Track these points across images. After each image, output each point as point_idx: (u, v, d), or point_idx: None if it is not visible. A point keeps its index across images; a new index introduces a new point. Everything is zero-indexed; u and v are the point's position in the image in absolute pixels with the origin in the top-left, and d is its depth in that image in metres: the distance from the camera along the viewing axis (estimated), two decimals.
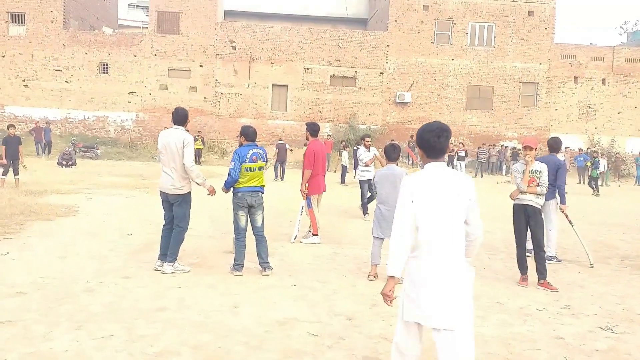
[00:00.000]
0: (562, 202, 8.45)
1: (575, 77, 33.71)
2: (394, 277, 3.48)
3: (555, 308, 6.26)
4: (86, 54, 31.91)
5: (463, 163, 27.09)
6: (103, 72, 32.09)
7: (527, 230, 7.37)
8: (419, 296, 3.44)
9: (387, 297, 3.54)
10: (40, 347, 4.50)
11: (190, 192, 7.18)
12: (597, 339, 5.31)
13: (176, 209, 7.12)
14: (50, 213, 11.00)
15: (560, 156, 9.07)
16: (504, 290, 6.93)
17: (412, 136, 30.68)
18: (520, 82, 33.29)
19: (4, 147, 14.89)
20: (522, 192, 7.32)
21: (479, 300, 6.44)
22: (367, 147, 12.57)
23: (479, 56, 33.01)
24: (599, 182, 23.65)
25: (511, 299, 6.57)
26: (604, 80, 33.83)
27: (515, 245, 7.49)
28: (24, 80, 31.76)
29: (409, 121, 33.02)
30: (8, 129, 15.61)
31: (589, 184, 23.40)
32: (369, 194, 12.41)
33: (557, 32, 52.82)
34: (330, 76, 32.76)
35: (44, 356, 4.32)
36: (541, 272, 7.18)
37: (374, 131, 32.12)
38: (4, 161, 14.63)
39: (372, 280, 7.10)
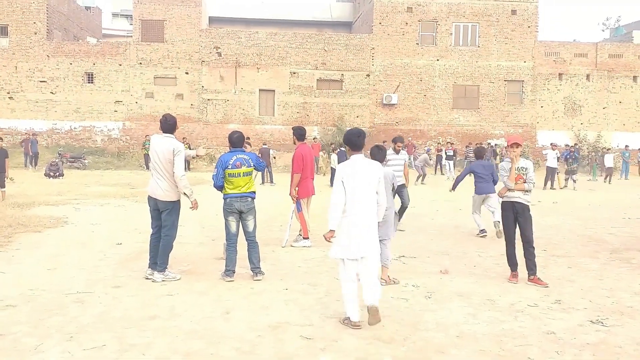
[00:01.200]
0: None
1: (560, 74, 33.99)
2: (333, 230, 5.53)
3: (546, 303, 6.30)
4: (71, 64, 31.75)
5: (451, 162, 27.14)
6: (88, 82, 31.94)
7: (515, 227, 7.41)
8: (350, 240, 5.44)
9: (327, 239, 5.62)
10: (31, 359, 4.46)
11: (179, 200, 7.15)
12: (588, 332, 5.34)
13: (165, 217, 7.08)
14: (39, 225, 10.93)
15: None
16: (495, 288, 6.96)
17: (399, 137, 30.68)
18: (505, 80, 33.50)
19: None
20: (509, 190, 7.36)
21: (470, 298, 6.48)
22: (397, 152, 11.23)
23: (463, 56, 33.20)
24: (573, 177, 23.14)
25: (502, 295, 6.60)
26: (588, 76, 34.13)
27: (504, 243, 7.53)
28: (8, 93, 31.55)
29: (397, 122, 33.12)
30: None
31: (565, 179, 23.22)
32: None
33: (540, 30, 53.33)
34: (317, 80, 32.81)
35: None
36: (531, 268, 7.23)
37: None
38: (7, 170, 14.51)
39: None
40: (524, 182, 7.30)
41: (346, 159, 5.79)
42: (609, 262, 8.65)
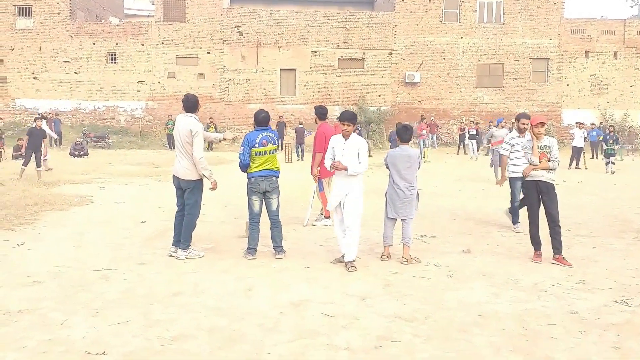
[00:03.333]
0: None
1: (586, 52, 33.28)
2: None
3: (570, 283, 6.24)
4: (94, 44, 31.94)
5: (474, 141, 26.83)
6: (111, 62, 32.11)
7: (539, 206, 7.34)
8: (339, 190, 6.86)
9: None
10: (58, 334, 4.56)
11: (202, 179, 7.19)
12: (613, 312, 5.29)
13: (188, 196, 7.14)
14: (64, 203, 11.10)
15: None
16: (518, 267, 6.92)
17: (422, 116, 30.54)
18: (530, 58, 32.92)
19: (27, 137, 15.06)
20: (534, 169, 7.27)
21: (493, 277, 6.45)
22: (522, 132, 9.34)
23: (488, 33, 32.65)
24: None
25: (525, 275, 6.56)
26: (615, 53, 33.37)
27: (527, 222, 7.47)
28: (33, 73, 31.88)
29: (419, 101, 32.82)
30: (35, 120, 15.86)
31: (606, 163, 20.57)
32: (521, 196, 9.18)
33: (566, 7, 52.07)
34: (338, 58, 32.56)
35: (62, 343, 4.38)
36: (556, 247, 7.16)
37: (384, 112, 32.00)
38: (46, 150, 14.83)
39: (385, 260, 7.11)
40: (548, 160, 7.22)
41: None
42: (634, 242, 8.53)
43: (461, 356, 4.27)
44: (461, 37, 32.63)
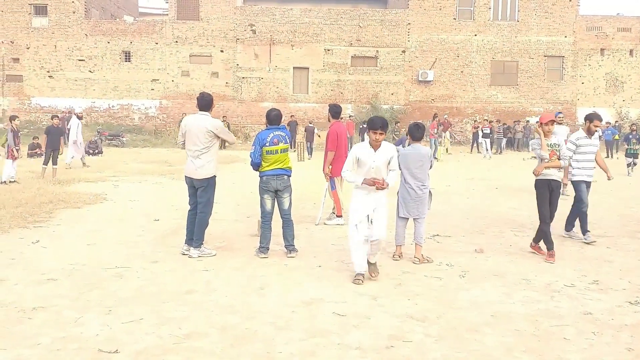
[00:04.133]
0: None
1: (602, 49, 32.99)
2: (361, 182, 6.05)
3: (583, 283, 6.19)
4: (108, 42, 32.16)
5: (488, 140, 26.65)
6: (126, 61, 32.33)
7: (549, 205, 7.38)
8: (364, 206, 6.13)
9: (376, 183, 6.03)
10: (71, 331, 4.60)
11: (215, 177, 7.22)
12: (626, 313, 5.24)
13: (201, 194, 7.17)
14: (79, 201, 11.19)
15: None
16: (531, 267, 6.87)
17: (435, 114, 30.42)
18: (545, 56, 32.69)
19: (45, 136, 15.23)
20: (545, 168, 7.28)
21: (505, 277, 6.42)
22: (591, 134, 8.51)
23: (502, 31, 32.46)
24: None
25: (538, 275, 6.52)
26: (631, 51, 33.05)
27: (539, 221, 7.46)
28: (48, 71, 32.18)
29: (433, 99, 32.71)
30: (52, 119, 16.12)
31: (627, 164, 19.41)
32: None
33: (582, 4, 51.57)
34: (351, 57, 32.54)
35: (76, 340, 4.42)
36: (539, 237, 7.54)
37: (397, 111, 31.94)
38: (62, 148, 15.36)
39: (397, 259, 7.10)
40: (558, 159, 7.31)
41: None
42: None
43: (472, 356, 4.25)
44: (475, 35, 32.47)
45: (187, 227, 7.33)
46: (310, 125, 26.69)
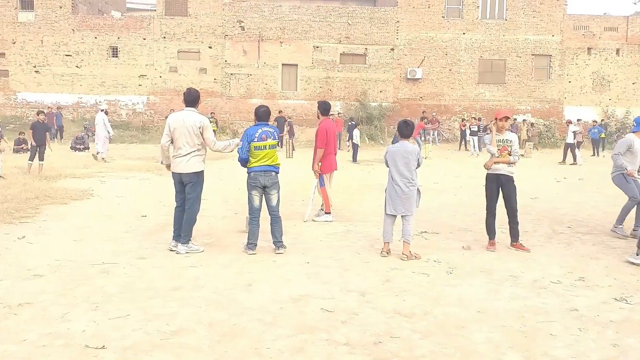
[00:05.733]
0: None
1: (589, 49, 33.21)
2: None
3: (570, 280, 6.25)
4: (95, 38, 31.90)
5: (475, 138, 26.73)
6: (113, 56, 32.09)
7: (498, 198, 7.71)
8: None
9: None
10: (58, 327, 4.57)
11: (203, 172, 7.20)
12: (612, 310, 5.29)
13: (189, 190, 7.14)
14: (65, 197, 11.12)
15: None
16: (517, 264, 6.92)
17: (423, 112, 30.52)
18: (532, 54, 32.84)
19: (30, 131, 15.10)
20: (495, 162, 7.57)
21: (492, 274, 6.45)
22: None
23: (490, 29, 32.58)
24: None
25: (524, 272, 6.56)
26: (618, 50, 33.30)
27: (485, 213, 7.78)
28: (35, 67, 31.86)
29: (421, 97, 32.78)
30: (37, 115, 15.98)
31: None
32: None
33: (569, 3, 51.82)
34: (340, 54, 32.51)
35: (62, 336, 4.39)
36: (515, 236, 7.74)
37: (385, 108, 31.97)
38: (50, 143, 15.27)
39: (385, 256, 7.12)
40: (509, 155, 7.58)
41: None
42: (635, 240, 8.50)
43: (459, 352, 4.28)
44: (463, 33, 32.57)
45: (174, 224, 7.31)
46: (279, 116, 27.36)
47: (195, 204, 7.20)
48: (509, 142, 7.58)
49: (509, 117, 7.75)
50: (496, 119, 7.73)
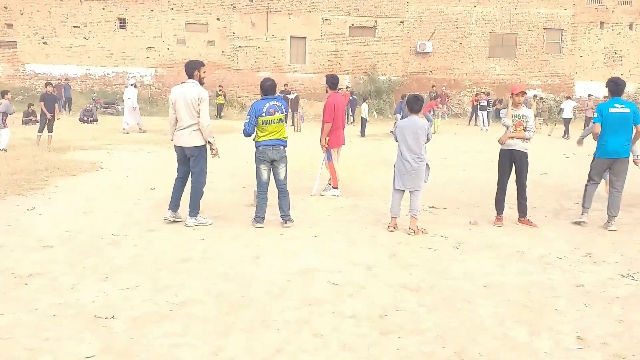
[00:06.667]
0: None
1: (602, 23, 32.70)
2: None
3: (576, 256, 6.25)
4: (103, 9, 31.70)
5: (485, 113, 26.54)
6: (121, 28, 31.91)
7: (510, 173, 7.69)
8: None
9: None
10: (68, 298, 4.64)
11: (205, 145, 7.17)
12: (618, 286, 5.30)
13: (193, 164, 7.14)
14: (74, 169, 11.17)
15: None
16: (524, 240, 6.93)
17: (433, 86, 30.30)
18: (544, 28, 32.39)
19: (42, 103, 15.12)
20: (510, 138, 7.52)
21: (499, 249, 6.47)
22: None
23: (502, 2, 32.10)
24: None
25: (531, 247, 6.57)
26: (631, 25, 32.77)
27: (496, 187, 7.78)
28: (42, 38, 31.76)
29: (430, 71, 32.50)
30: (46, 86, 15.97)
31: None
32: None
33: None
34: (349, 26, 32.17)
35: (72, 306, 4.46)
36: (522, 211, 7.73)
37: (394, 82, 31.75)
38: (52, 114, 15.16)
39: (392, 231, 7.13)
40: (524, 130, 7.50)
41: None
42: None
43: (465, 326, 4.31)
44: (475, 6, 32.12)
45: (172, 194, 7.31)
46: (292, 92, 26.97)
47: (201, 177, 7.20)
48: (524, 117, 7.51)
49: (525, 92, 7.66)
50: (512, 94, 7.63)
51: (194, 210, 7.16)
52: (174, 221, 7.22)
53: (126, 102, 20.38)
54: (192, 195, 7.15)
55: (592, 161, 7.94)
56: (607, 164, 7.76)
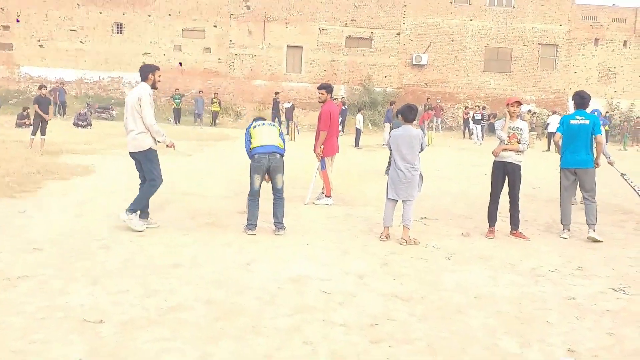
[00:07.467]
0: None
1: (596, 39, 33.02)
2: None
3: (568, 269, 6.26)
4: (100, 13, 31.74)
5: (479, 126, 26.63)
6: (117, 33, 31.95)
7: (503, 186, 7.71)
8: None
9: None
10: (56, 300, 4.59)
11: (151, 148, 7.06)
12: (609, 299, 5.31)
13: (144, 167, 7.10)
14: (67, 172, 11.12)
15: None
16: (516, 252, 6.93)
17: (428, 99, 30.42)
18: (539, 44, 32.65)
19: (36, 105, 15.05)
20: (503, 150, 7.56)
21: (491, 260, 6.47)
22: None
23: (498, 17, 32.36)
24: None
25: (523, 260, 6.57)
26: (625, 42, 33.10)
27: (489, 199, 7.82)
28: (39, 41, 31.74)
29: (426, 83, 32.66)
30: (40, 89, 15.82)
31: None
32: None
33: None
34: (346, 37, 32.33)
35: (61, 309, 4.41)
36: (515, 224, 7.77)
37: (390, 94, 31.85)
38: (48, 116, 15.11)
39: (384, 240, 7.12)
40: (518, 142, 7.54)
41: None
42: (634, 232, 8.53)
43: (455, 336, 4.29)
44: (471, 20, 32.35)
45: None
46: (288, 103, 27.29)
47: (155, 182, 7.04)
48: (519, 130, 7.56)
49: (520, 103, 7.69)
50: (507, 104, 7.68)
51: (133, 206, 6.96)
52: (148, 227, 7.12)
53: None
54: (140, 192, 7.07)
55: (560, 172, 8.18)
56: (571, 174, 7.96)
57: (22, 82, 31.76)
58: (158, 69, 7.27)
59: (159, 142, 7.14)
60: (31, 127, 15.48)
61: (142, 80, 7.09)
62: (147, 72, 7.08)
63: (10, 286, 4.87)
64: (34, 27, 31.66)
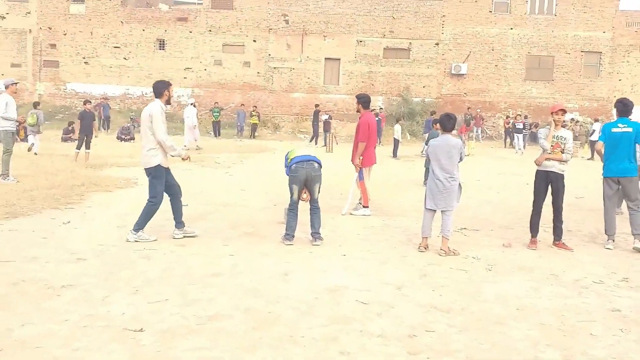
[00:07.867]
0: None
1: None
2: None
3: (612, 280, 6.08)
4: (143, 30, 32.51)
5: (521, 136, 26.15)
6: (160, 49, 32.65)
7: (546, 196, 7.54)
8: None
9: None
10: (99, 310, 4.69)
11: (159, 165, 7.08)
12: None
13: (149, 183, 7.16)
14: (110, 185, 11.38)
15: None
16: (559, 263, 6.77)
17: (468, 108, 30.10)
18: (582, 51, 31.98)
19: (79, 121, 15.53)
20: (546, 159, 7.39)
21: (533, 272, 6.33)
22: None
23: (539, 25, 31.86)
24: None
25: (566, 271, 6.41)
26: None
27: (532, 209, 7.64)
28: (84, 58, 32.68)
29: (465, 93, 32.33)
30: (84, 104, 16.38)
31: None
32: None
33: None
34: (384, 48, 32.30)
35: (102, 318, 4.50)
36: (558, 235, 7.55)
37: (429, 104, 31.65)
38: (96, 132, 15.92)
39: (422, 251, 7.05)
40: (562, 152, 7.37)
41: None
42: None
43: (496, 348, 4.21)
44: (511, 28, 31.94)
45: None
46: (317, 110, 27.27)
47: (155, 199, 7.09)
48: (563, 139, 7.39)
49: (564, 110, 7.51)
50: (552, 112, 7.52)
51: (136, 226, 7.05)
52: (184, 237, 7.24)
53: (186, 120, 21.16)
54: (142, 212, 7.10)
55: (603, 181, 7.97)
56: (614, 183, 7.78)
57: (68, 97, 32.72)
58: (171, 85, 7.40)
59: (172, 156, 7.20)
60: (76, 141, 15.91)
61: (156, 97, 7.17)
62: (162, 88, 7.17)
63: (55, 295, 4.99)
64: (79, 44, 32.62)
